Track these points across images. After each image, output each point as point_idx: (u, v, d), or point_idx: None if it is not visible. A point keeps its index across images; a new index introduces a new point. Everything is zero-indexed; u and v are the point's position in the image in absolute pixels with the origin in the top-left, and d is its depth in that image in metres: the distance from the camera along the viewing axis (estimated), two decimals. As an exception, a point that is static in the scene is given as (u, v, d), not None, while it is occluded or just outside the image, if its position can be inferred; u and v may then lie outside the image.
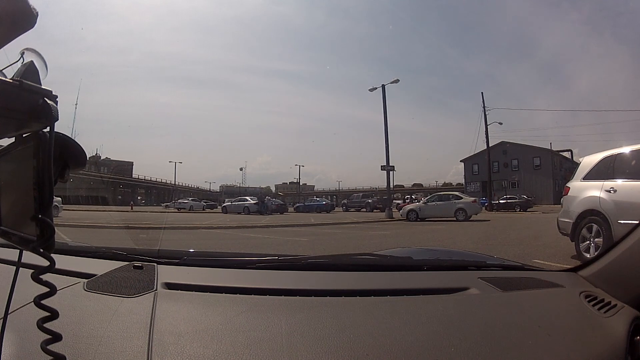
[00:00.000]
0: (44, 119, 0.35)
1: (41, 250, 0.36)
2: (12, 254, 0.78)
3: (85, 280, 0.85)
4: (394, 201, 25.64)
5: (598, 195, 4.67)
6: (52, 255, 0.37)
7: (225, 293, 0.81)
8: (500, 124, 28.91)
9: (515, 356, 0.64)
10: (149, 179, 54.38)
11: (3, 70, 0.38)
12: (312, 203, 30.52)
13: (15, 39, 0.36)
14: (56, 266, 0.38)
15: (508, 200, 27.18)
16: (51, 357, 0.43)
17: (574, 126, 67.44)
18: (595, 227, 4.66)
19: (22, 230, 0.37)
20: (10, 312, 0.54)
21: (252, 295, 0.81)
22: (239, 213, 22.57)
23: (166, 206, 34.39)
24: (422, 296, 0.85)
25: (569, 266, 1.15)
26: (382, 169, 20.24)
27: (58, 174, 0.38)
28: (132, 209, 27.37)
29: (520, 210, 24.89)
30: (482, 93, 35.10)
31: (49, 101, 0.36)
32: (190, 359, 0.58)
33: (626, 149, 4.78)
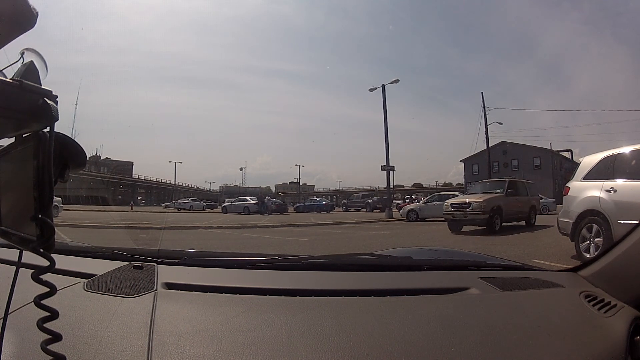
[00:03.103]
0: (44, 119, 0.35)
1: (41, 250, 0.36)
2: (12, 254, 0.78)
3: (85, 280, 0.85)
4: (394, 201, 25.61)
5: (598, 195, 4.67)
6: (52, 255, 0.37)
7: (225, 293, 0.81)
8: (500, 124, 28.83)
9: (515, 356, 0.64)
10: (149, 179, 54.34)
11: (3, 70, 0.38)
12: (312, 203, 30.49)
13: (15, 39, 0.36)
14: (56, 266, 0.38)
15: (508, 200, 27.06)
16: (51, 357, 0.43)
17: (574, 126, 67.30)
18: (595, 227, 4.67)
19: (22, 230, 0.37)
20: (10, 312, 0.54)
21: (252, 295, 0.81)
22: (239, 213, 22.57)
23: (166, 206, 34.35)
24: (422, 296, 0.85)
25: (569, 266, 1.15)
26: (382, 169, 20.24)
27: (58, 174, 0.38)
28: (132, 209, 27.34)
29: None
30: (482, 93, 35.02)
31: (49, 101, 0.36)
32: (190, 359, 0.58)
33: (626, 149, 4.78)
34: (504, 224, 9.73)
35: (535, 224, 10.83)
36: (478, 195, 10.18)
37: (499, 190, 10.53)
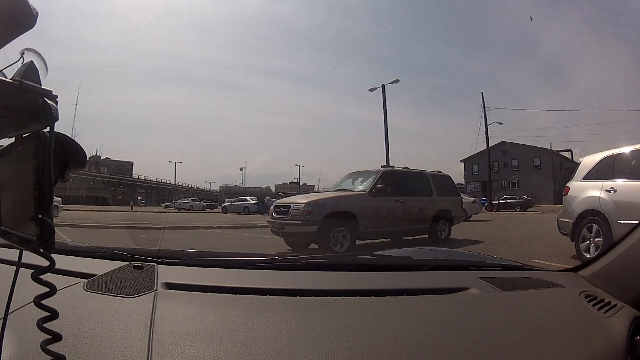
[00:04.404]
0: (44, 119, 0.35)
1: (41, 250, 0.36)
2: (12, 254, 0.78)
3: (85, 280, 0.85)
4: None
5: (598, 195, 4.67)
6: (52, 255, 0.37)
7: (225, 293, 0.81)
8: (500, 124, 28.90)
9: (515, 356, 0.64)
10: (149, 179, 54.32)
11: (3, 70, 0.38)
12: (312, 203, 30.37)
13: (15, 39, 0.36)
14: (56, 266, 0.38)
15: (508, 200, 27.22)
16: (51, 357, 0.43)
17: (574, 126, 67.10)
18: (595, 227, 4.67)
19: (22, 230, 0.37)
20: (10, 312, 0.54)
21: (252, 295, 0.81)
22: (239, 213, 22.60)
23: (166, 206, 34.38)
24: (422, 296, 0.85)
25: (569, 266, 1.15)
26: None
27: (58, 174, 0.38)
28: (132, 209, 27.36)
29: (520, 210, 24.91)
30: (482, 93, 35.15)
31: (49, 101, 0.36)
32: (190, 359, 0.58)
33: (626, 149, 4.79)
34: (370, 240, 6.28)
35: (451, 237, 7.33)
36: (308, 195, 6.70)
37: (361, 188, 6.70)
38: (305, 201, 5.99)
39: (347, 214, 5.99)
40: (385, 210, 6.49)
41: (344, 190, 7.00)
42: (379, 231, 6.41)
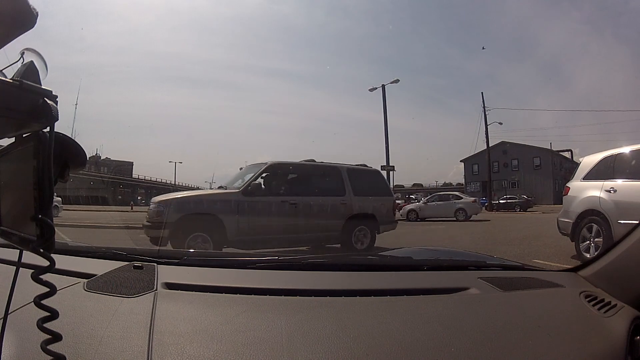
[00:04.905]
0: (44, 119, 0.35)
1: (41, 250, 0.36)
2: (12, 254, 0.78)
3: (85, 280, 0.85)
4: (393, 201, 25.51)
5: (598, 195, 4.68)
6: (52, 255, 0.37)
7: (225, 293, 0.81)
8: (500, 124, 28.99)
9: (515, 356, 0.64)
10: (149, 179, 54.33)
11: (3, 70, 0.38)
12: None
13: (15, 39, 0.36)
14: (56, 266, 0.38)
15: (508, 200, 27.27)
16: (51, 357, 0.43)
17: (574, 126, 67.32)
18: (595, 227, 4.68)
19: (22, 230, 0.37)
20: (10, 312, 0.54)
21: (252, 295, 0.81)
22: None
23: (166, 206, 34.30)
24: (422, 296, 0.85)
25: (569, 266, 1.15)
26: (382, 169, 20.18)
27: (58, 174, 0.38)
28: (132, 209, 27.35)
29: (520, 210, 24.94)
30: (482, 93, 35.18)
31: (49, 101, 0.36)
32: (190, 359, 0.58)
33: (626, 149, 4.79)
34: (247, 250, 4.58)
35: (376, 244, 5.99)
36: (168, 194, 5.65)
37: (236, 185, 5.54)
38: (158, 201, 5.13)
39: (209, 216, 4.90)
40: (267, 213, 5.23)
41: (220, 187, 5.84)
42: (259, 239, 5.05)
